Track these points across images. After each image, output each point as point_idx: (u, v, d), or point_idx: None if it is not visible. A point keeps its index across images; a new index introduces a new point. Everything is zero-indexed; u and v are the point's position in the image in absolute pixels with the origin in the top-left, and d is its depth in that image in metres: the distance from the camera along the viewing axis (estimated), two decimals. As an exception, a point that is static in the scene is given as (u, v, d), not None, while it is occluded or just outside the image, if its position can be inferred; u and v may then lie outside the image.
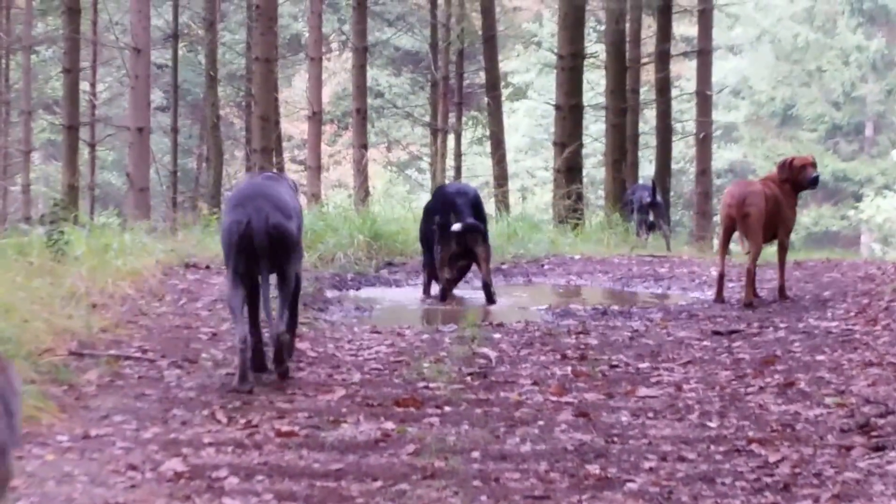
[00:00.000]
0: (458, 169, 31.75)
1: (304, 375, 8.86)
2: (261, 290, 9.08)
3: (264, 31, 22.14)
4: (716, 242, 14.06)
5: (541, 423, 7.56)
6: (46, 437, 6.76)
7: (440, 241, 13.62)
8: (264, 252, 8.92)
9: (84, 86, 32.37)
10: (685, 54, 32.11)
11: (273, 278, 9.21)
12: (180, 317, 11.09)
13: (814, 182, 13.26)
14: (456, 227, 13.48)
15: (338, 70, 42.91)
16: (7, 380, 6.17)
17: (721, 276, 13.29)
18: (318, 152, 26.93)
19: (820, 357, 9.61)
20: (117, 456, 6.55)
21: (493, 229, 15.66)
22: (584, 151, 26.32)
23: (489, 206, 21.63)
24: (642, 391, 8.50)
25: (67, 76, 26.45)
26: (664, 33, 26.73)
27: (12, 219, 32.96)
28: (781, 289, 13.16)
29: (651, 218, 21.46)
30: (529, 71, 45.70)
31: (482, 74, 30.94)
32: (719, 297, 13.13)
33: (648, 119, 30.00)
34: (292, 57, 40.64)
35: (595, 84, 33.21)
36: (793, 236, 14.23)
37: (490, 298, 13.51)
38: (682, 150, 38.16)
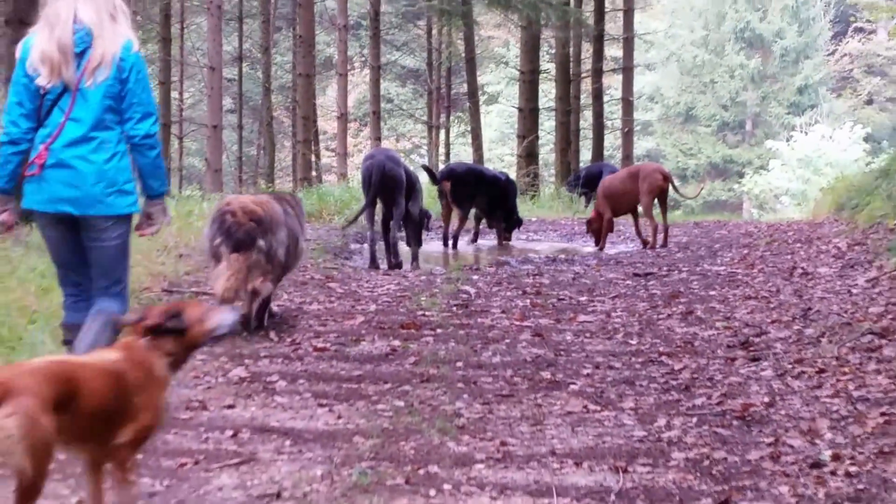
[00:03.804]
0: (447, 155, 31.67)
1: (334, 306, 8.83)
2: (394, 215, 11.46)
3: (305, 54, 22.04)
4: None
5: (507, 341, 7.55)
6: (145, 352, 6.72)
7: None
8: (379, 188, 11.24)
9: (174, 94, 32.24)
10: (614, 70, 31.90)
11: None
12: (244, 263, 11.03)
13: None
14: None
15: (359, 82, 42.63)
16: (297, 203, 7.93)
17: (654, 230, 13.39)
18: (345, 143, 26.81)
19: (712, 292, 9.61)
20: (196, 365, 6.53)
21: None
22: (539, 142, 26.27)
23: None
24: (582, 318, 8.49)
25: (161, 87, 26.37)
26: (598, 55, 26.62)
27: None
28: (667, 231, 13.61)
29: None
30: (500, 83, 45.53)
31: (465, 85, 30.75)
32: (655, 246, 13.29)
33: (587, 118, 29.79)
34: (326, 73, 40.36)
35: (547, 92, 33.07)
36: (693, 203, 14.57)
37: (454, 246, 13.86)
38: (611, 140, 38.00)
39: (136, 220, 5.46)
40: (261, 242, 6.79)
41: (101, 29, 5.15)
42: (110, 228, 5.23)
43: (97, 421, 3.89)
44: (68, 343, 5.36)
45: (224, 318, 4.33)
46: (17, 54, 5.22)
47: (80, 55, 5.14)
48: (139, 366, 4.06)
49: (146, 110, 5.23)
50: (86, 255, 5.28)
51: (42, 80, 5.12)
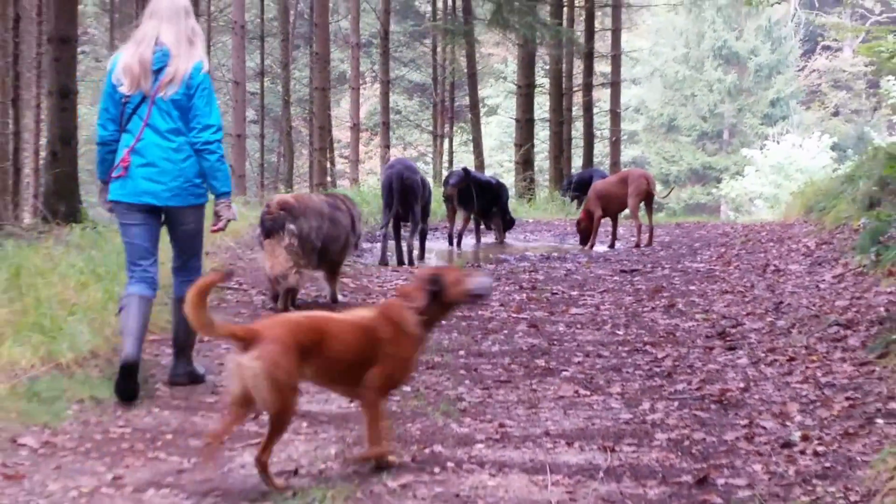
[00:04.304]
0: (450, 162, 31.62)
1: (347, 300, 8.83)
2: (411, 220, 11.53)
3: (321, 70, 22.04)
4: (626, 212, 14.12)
5: (505, 331, 7.55)
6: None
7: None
8: (398, 194, 11.24)
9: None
10: (602, 85, 31.86)
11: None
12: (265, 261, 11.02)
13: None
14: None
15: (370, 95, 42.60)
16: (352, 204, 8.26)
17: (639, 230, 13.44)
18: (357, 150, 26.82)
19: (692, 287, 9.60)
20: (221, 353, 6.53)
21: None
22: (535, 150, 26.23)
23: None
24: (573, 310, 8.49)
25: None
26: (588, 71, 26.58)
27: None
28: (651, 232, 13.57)
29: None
30: (499, 96, 45.46)
31: (467, 98, 30.72)
32: (640, 245, 13.33)
33: (578, 128, 29.75)
34: (340, 87, 40.34)
35: (542, 104, 33.01)
36: (675, 205, 14.64)
37: (459, 245, 13.81)
38: (601, 149, 37.93)
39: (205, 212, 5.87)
40: (291, 226, 7.07)
41: (178, 50, 5.59)
42: (188, 215, 5.70)
43: (345, 366, 4.19)
44: (122, 310, 5.64)
45: (480, 282, 4.46)
46: (108, 67, 5.68)
47: (158, 72, 5.57)
48: (392, 323, 4.29)
49: (207, 122, 5.60)
50: (156, 240, 5.72)
51: (124, 89, 5.58)
